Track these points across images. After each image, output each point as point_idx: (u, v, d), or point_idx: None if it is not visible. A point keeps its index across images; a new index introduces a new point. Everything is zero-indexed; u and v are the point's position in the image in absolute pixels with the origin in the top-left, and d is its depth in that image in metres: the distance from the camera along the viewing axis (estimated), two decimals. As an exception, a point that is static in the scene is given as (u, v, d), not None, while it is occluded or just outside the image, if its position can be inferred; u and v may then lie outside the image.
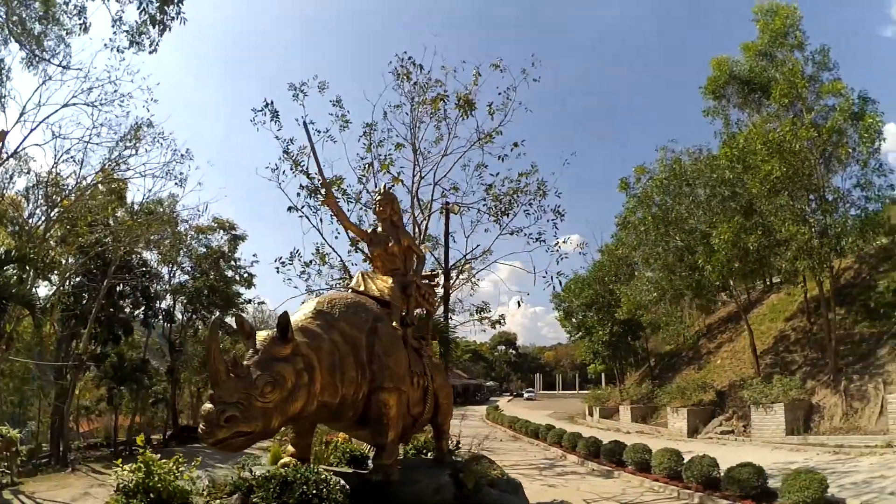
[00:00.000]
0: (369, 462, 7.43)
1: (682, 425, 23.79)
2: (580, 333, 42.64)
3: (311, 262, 17.57)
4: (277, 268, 17.41)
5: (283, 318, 5.02)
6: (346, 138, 21.11)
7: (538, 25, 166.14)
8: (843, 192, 19.50)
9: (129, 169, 19.89)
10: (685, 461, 12.82)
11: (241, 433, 4.49)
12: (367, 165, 17.33)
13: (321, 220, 16.96)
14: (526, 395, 70.06)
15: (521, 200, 18.18)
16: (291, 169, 16.79)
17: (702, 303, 31.50)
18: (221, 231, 30.67)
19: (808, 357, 21.42)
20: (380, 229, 7.40)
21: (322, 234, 17.14)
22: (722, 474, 11.83)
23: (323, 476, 5.23)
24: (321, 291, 17.24)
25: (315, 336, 5.41)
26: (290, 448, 6.26)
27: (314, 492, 4.94)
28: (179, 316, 30.55)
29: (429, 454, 9.17)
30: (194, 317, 30.06)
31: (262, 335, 5.05)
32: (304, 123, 7.87)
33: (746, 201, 22.21)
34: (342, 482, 5.49)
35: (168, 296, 29.06)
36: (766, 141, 19.21)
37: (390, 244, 7.23)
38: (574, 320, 42.66)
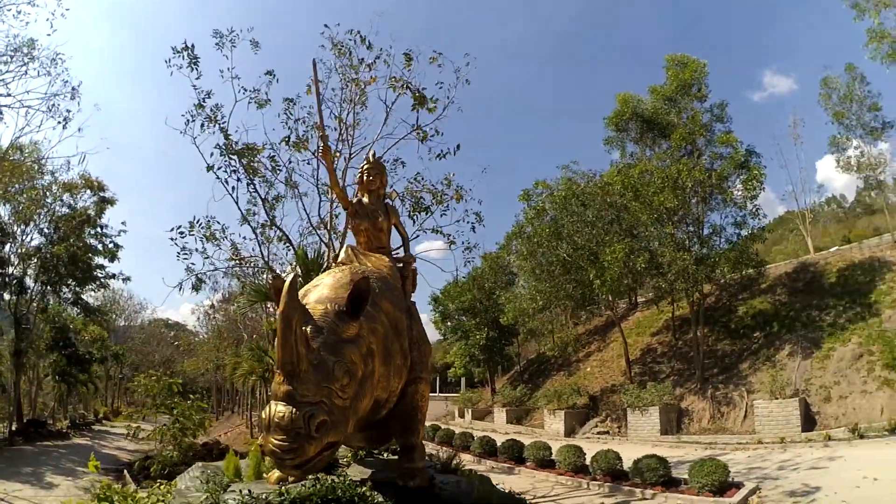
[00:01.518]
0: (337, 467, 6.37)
1: (560, 426, 25.56)
2: (457, 336, 43.90)
3: (208, 235, 16.05)
4: (174, 238, 15.67)
5: (364, 286, 3.93)
6: (265, 111, 19.49)
7: (442, 37, 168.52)
8: (719, 228, 22.64)
9: (9, 94, 16.42)
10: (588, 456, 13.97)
11: (330, 445, 3.47)
12: (285, 140, 16.21)
13: (235, 185, 15.43)
14: None
15: (446, 201, 18.32)
16: (204, 125, 15.20)
17: (581, 314, 34.29)
18: (88, 191, 26.60)
19: (675, 368, 24.34)
20: (366, 200, 6.77)
21: (237, 203, 15.58)
22: (626, 466, 13.11)
23: (363, 492, 4.21)
24: (204, 274, 15.89)
25: (368, 315, 4.35)
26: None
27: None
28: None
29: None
30: (47, 288, 25.65)
31: (316, 308, 3.97)
32: (314, 62, 7.18)
33: (629, 225, 24.78)
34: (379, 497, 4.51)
35: (18, 261, 24.41)
36: (665, 176, 21.63)
37: (380, 219, 6.65)
38: (450, 323, 43.91)
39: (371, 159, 6.96)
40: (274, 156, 15.52)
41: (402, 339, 5.02)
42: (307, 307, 4.01)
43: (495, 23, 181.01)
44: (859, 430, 13.73)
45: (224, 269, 18.86)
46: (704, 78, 22.51)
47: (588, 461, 13.92)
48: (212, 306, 37.71)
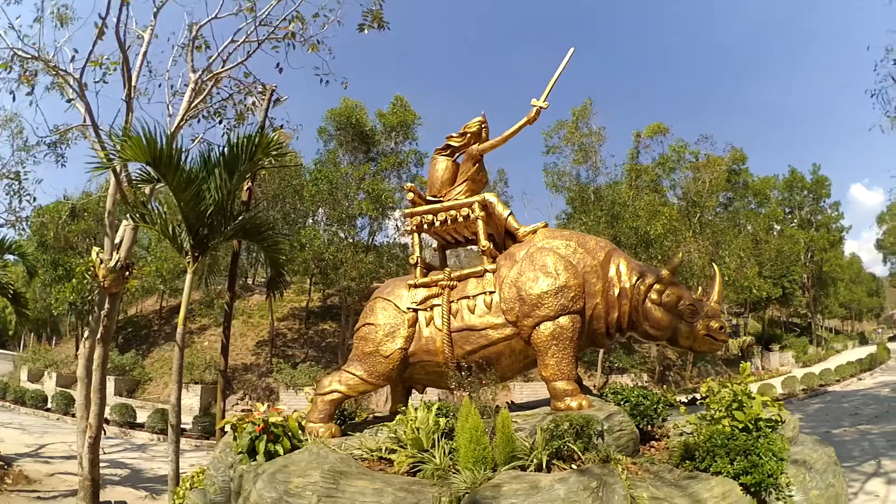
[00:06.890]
0: None
1: (194, 402, 24.33)
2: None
3: None
4: None
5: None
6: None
7: None
8: (391, 243, 27.41)
9: None
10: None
11: None
12: None
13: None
14: None
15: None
16: None
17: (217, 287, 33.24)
18: None
19: (310, 354, 27.25)
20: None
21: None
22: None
23: None
24: None
25: None
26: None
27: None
28: None
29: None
30: None
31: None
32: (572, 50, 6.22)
33: (305, 211, 27.55)
34: None
35: None
36: (371, 189, 24.91)
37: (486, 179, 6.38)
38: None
39: (484, 118, 6.54)
40: None
41: None
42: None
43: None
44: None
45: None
46: (416, 127, 27.20)
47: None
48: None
